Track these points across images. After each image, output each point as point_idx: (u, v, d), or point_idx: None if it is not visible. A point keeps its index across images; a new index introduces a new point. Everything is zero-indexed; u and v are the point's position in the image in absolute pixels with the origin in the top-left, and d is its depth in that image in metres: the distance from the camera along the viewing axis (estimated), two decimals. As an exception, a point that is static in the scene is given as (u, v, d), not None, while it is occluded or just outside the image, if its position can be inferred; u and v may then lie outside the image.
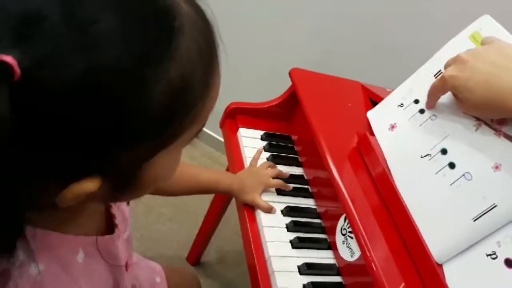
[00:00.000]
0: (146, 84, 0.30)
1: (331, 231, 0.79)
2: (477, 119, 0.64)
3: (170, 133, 0.34)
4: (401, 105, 0.81)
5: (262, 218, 0.79)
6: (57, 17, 0.28)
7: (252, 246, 0.75)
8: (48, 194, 0.33)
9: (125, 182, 0.36)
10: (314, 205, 0.85)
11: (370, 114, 0.88)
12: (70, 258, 0.43)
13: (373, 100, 0.96)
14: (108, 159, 0.32)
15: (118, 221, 0.52)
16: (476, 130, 0.64)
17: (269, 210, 0.79)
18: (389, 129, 0.80)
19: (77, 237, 0.44)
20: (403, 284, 0.64)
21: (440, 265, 0.63)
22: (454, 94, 0.66)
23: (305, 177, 0.90)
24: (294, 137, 0.98)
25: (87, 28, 0.28)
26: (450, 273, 0.61)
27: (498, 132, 0.61)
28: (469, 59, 0.62)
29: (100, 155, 0.31)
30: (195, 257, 1.29)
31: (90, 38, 0.28)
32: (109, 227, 0.51)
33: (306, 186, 0.88)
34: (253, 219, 0.80)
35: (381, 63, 1.20)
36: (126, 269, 0.56)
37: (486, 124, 0.62)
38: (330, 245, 0.79)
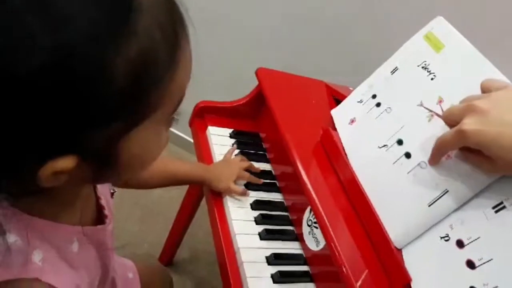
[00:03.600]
0: (106, 62, 0.31)
1: (298, 223, 0.82)
2: (430, 110, 0.68)
3: (140, 109, 0.35)
4: (360, 101, 0.85)
5: (231, 211, 0.81)
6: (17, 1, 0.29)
7: (222, 239, 0.77)
8: (27, 174, 0.34)
9: (104, 161, 0.36)
10: (282, 199, 0.88)
11: (334, 112, 0.91)
12: (66, 248, 0.45)
13: (337, 98, 1.00)
14: (80, 137, 0.33)
15: (107, 212, 0.53)
16: (429, 121, 0.68)
17: (244, 193, 0.82)
18: (349, 124, 0.84)
19: (71, 227, 0.46)
20: (366, 271, 0.67)
21: (400, 250, 0.67)
22: (473, 150, 0.56)
23: (273, 172, 0.93)
24: (262, 135, 1.01)
25: (46, 9, 0.29)
26: (408, 256, 0.65)
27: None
28: (489, 109, 0.53)
29: (70, 133, 0.32)
30: (167, 257, 1.30)
31: (48, 20, 0.29)
32: (99, 218, 0.53)
33: (274, 181, 0.91)
34: (222, 213, 0.82)
35: (345, 63, 1.25)
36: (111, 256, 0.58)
37: (437, 115, 0.66)
38: (298, 237, 0.82)
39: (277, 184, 0.91)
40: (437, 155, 0.62)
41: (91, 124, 0.33)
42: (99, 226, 0.50)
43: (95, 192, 0.52)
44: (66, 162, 0.34)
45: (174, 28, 0.36)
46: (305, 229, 0.80)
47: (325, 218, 0.72)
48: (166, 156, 0.96)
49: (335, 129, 0.85)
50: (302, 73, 1.04)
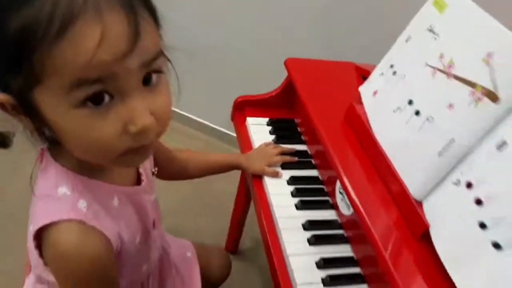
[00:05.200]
0: (4, 21, 0.41)
1: (332, 194, 0.88)
2: (432, 67, 0.72)
3: (28, 67, 0.42)
4: (382, 73, 0.90)
5: (269, 188, 0.89)
6: None
7: (262, 213, 0.86)
8: None
9: (31, 112, 0.46)
10: (317, 175, 0.95)
11: (361, 88, 0.97)
12: (107, 202, 0.56)
13: (365, 77, 1.05)
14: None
15: (143, 178, 0.64)
16: (433, 77, 0.72)
17: (276, 175, 0.91)
18: (372, 95, 0.89)
19: (111, 185, 0.57)
20: (388, 224, 0.72)
21: (420, 203, 0.70)
22: None
23: (309, 152, 1.00)
24: (297, 120, 1.08)
25: None
26: (428, 207, 0.69)
27: (449, 75, 0.69)
28: None
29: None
30: (232, 246, 1.41)
31: None
32: (138, 183, 0.64)
33: (310, 160, 0.98)
34: (262, 190, 0.90)
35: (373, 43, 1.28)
36: (154, 227, 0.69)
37: (439, 70, 0.70)
38: (333, 206, 0.88)
39: (312, 162, 0.98)
40: None
41: (3, 68, 0.44)
42: (135, 187, 0.62)
43: None
44: (2, 97, 0.45)
45: (71, 10, 0.40)
46: (338, 197, 0.86)
47: (348, 184, 0.77)
48: (202, 151, 1.06)
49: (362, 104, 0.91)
50: (335, 58, 1.10)
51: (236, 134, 1.09)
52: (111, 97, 0.45)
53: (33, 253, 0.56)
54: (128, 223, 0.59)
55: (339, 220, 0.85)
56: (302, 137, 1.04)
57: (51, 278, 0.59)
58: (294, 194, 0.89)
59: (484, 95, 0.62)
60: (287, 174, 0.93)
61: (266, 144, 0.97)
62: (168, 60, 0.53)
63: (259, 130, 1.04)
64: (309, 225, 0.82)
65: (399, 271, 0.64)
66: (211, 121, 1.89)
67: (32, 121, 0.48)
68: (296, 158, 0.96)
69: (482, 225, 0.58)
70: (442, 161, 0.67)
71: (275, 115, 1.09)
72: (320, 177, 0.94)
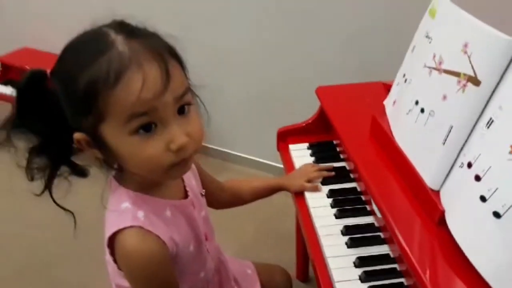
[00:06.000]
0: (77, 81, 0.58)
1: (370, 202, 0.94)
2: (428, 67, 0.79)
3: (96, 108, 0.57)
4: (398, 84, 0.97)
5: (309, 201, 0.98)
6: None
7: (303, 224, 0.95)
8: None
9: (100, 143, 0.62)
10: (355, 186, 1.02)
11: (385, 101, 1.04)
12: (161, 213, 0.70)
13: (393, 91, 1.12)
14: (77, 120, 0.61)
15: (190, 194, 0.78)
16: (430, 76, 0.78)
17: (315, 189, 0.99)
18: (392, 105, 0.96)
19: (163, 200, 0.71)
20: (407, 213, 0.77)
21: (438, 192, 0.75)
22: None
23: (347, 168, 1.08)
24: (336, 141, 1.17)
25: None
26: (444, 195, 0.74)
27: (440, 70, 0.75)
28: None
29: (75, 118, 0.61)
30: (301, 273, 1.47)
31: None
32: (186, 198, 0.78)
33: (348, 174, 1.06)
34: (304, 204, 0.99)
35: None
36: (206, 239, 0.82)
37: (433, 68, 0.77)
38: (370, 213, 0.94)
39: (351, 176, 1.05)
40: None
41: (78, 113, 0.60)
42: (182, 200, 0.75)
43: (183, 182, 0.78)
44: (79, 135, 0.62)
45: (120, 66, 0.56)
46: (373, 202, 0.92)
47: (373, 188, 0.84)
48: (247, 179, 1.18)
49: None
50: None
51: (282, 162, 1.20)
52: (155, 125, 0.60)
53: (110, 262, 0.72)
54: (179, 229, 0.72)
55: (376, 224, 0.91)
56: (341, 156, 1.12)
57: (126, 284, 0.73)
58: (333, 205, 0.96)
59: (468, 81, 0.68)
60: (326, 188, 1.01)
61: (306, 164, 1.07)
62: (196, 95, 0.70)
63: (300, 154, 1.15)
64: (346, 230, 0.89)
65: (417, 255, 0.69)
66: (258, 156, 2.03)
67: (101, 152, 0.65)
68: (333, 173, 1.04)
69: (483, 198, 0.62)
70: (447, 149, 0.72)
71: (314, 139, 1.19)
72: (358, 188, 1.01)
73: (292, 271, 1.48)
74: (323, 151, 1.14)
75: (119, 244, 0.66)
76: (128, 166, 0.65)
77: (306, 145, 1.17)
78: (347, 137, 1.01)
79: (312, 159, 1.12)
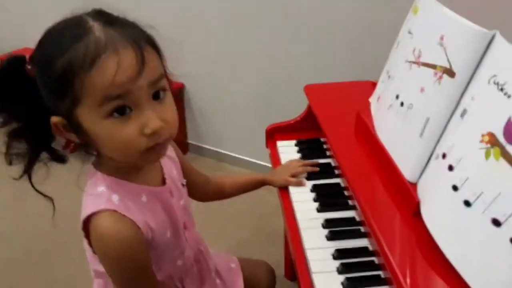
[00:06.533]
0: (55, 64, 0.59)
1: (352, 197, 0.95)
2: (409, 61, 0.80)
3: (72, 91, 0.58)
4: (382, 81, 0.98)
5: (293, 195, 0.99)
6: None
7: (286, 218, 0.95)
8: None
9: (76, 128, 0.62)
10: (340, 182, 1.02)
11: (370, 98, 1.05)
12: (136, 198, 0.70)
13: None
14: (55, 104, 0.62)
15: (168, 182, 0.78)
16: (410, 68, 0.79)
17: (299, 184, 1.00)
18: (376, 101, 0.97)
19: (139, 185, 0.72)
20: (384, 204, 0.77)
21: (415, 184, 0.76)
22: None
23: (332, 164, 1.08)
24: (323, 139, 1.18)
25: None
26: (419, 185, 0.74)
27: (419, 64, 0.76)
28: None
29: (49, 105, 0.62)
30: (290, 272, 1.47)
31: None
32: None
33: (333, 171, 1.06)
34: (287, 198, 1.00)
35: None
36: (185, 228, 0.82)
37: (413, 62, 0.77)
38: (353, 207, 0.94)
39: (336, 172, 1.06)
40: None
41: (55, 96, 0.61)
42: (159, 187, 0.76)
43: (162, 170, 0.79)
44: (55, 119, 0.62)
45: (97, 50, 0.57)
46: (354, 197, 0.92)
47: (354, 182, 0.85)
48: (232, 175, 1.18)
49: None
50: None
51: (270, 159, 1.20)
52: (130, 109, 0.61)
53: (87, 248, 0.72)
54: (155, 215, 0.73)
55: (357, 218, 0.91)
56: (327, 153, 1.13)
57: (102, 269, 0.74)
58: (315, 200, 0.97)
59: (443, 73, 0.69)
60: (310, 183, 1.02)
61: (291, 160, 1.08)
62: (170, 82, 0.70)
63: (287, 150, 1.15)
64: (327, 223, 0.89)
65: (392, 245, 0.69)
66: (252, 156, 2.03)
67: (78, 136, 0.66)
68: (318, 169, 1.04)
69: (455, 188, 0.63)
70: (424, 141, 0.73)
71: (303, 137, 1.20)
72: (342, 184, 1.01)
73: (282, 269, 1.49)
74: (309, 148, 1.15)
75: (93, 226, 0.67)
76: (104, 150, 0.66)
77: (293, 142, 1.18)
78: (332, 133, 1.01)
79: (299, 155, 1.13)
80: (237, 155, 2.08)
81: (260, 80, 1.81)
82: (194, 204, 0.89)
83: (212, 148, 2.14)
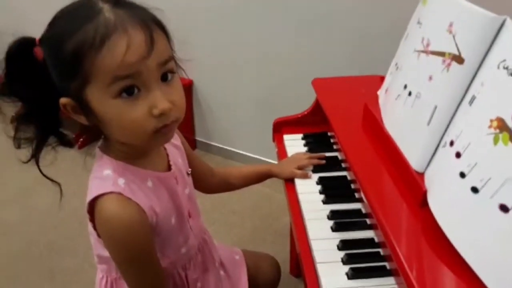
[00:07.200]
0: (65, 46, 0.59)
1: (359, 190, 0.94)
2: (417, 51, 0.79)
3: (82, 71, 0.58)
4: (391, 73, 0.97)
5: (299, 187, 0.98)
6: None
7: (292, 210, 0.94)
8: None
9: (85, 108, 0.62)
10: (346, 175, 1.01)
11: (379, 91, 1.04)
12: (142, 183, 0.70)
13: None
14: (64, 85, 0.62)
15: (173, 168, 0.78)
16: (418, 58, 0.78)
17: (305, 176, 1.00)
18: (384, 94, 0.96)
19: (145, 170, 0.72)
20: (392, 193, 0.76)
21: (422, 174, 0.74)
22: None
23: (339, 157, 1.08)
24: (330, 133, 1.17)
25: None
26: (426, 175, 0.73)
27: (427, 52, 0.75)
28: None
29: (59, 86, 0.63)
30: (296, 268, 1.46)
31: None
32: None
33: (341, 165, 1.06)
34: (293, 190, 0.99)
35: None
36: (190, 216, 0.82)
37: (421, 51, 0.77)
38: (359, 200, 0.93)
39: (342, 165, 1.05)
40: None
41: (65, 77, 0.61)
42: (165, 172, 0.76)
43: (167, 157, 0.79)
44: (65, 100, 0.62)
45: (106, 30, 0.58)
46: (360, 189, 0.91)
47: (361, 174, 0.84)
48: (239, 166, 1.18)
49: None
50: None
51: (277, 153, 1.20)
52: (139, 90, 0.61)
53: (92, 233, 0.72)
54: (160, 200, 0.73)
55: (363, 210, 0.90)
56: (334, 146, 1.12)
57: (106, 254, 0.74)
58: (321, 192, 0.96)
59: (452, 60, 0.68)
60: (316, 176, 1.01)
61: (297, 153, 1.07)
62: (180, 67, 0.70)
63: (294, 144, 1.15)
64: (332, 215, 0.89)
65: (399, 236, 0.68)
66: (260, 154, 2.03)
67: (86, 118, 0.65)
68: (324, 161, 1.04)
69: (462, 174, 0.61)
70: (431, 129, 0.72)
71: (310, 130, 1.19)
72: (348, 177, 1.01)
73: (288, 267, 1.48)
74: (316, 142, 1.14)
75: (98, 209, 0.67)
76: (112, 131, 0.66)
77: (300, 135, 1.18)
78: (339, 126, 1.01)
79: (306, 149, 1.12)
80: (245, 153, 2.07)
81: (268, 77, 1.81)
82: (199, 201, 0.88)
83: (219, 145, 2.14)
